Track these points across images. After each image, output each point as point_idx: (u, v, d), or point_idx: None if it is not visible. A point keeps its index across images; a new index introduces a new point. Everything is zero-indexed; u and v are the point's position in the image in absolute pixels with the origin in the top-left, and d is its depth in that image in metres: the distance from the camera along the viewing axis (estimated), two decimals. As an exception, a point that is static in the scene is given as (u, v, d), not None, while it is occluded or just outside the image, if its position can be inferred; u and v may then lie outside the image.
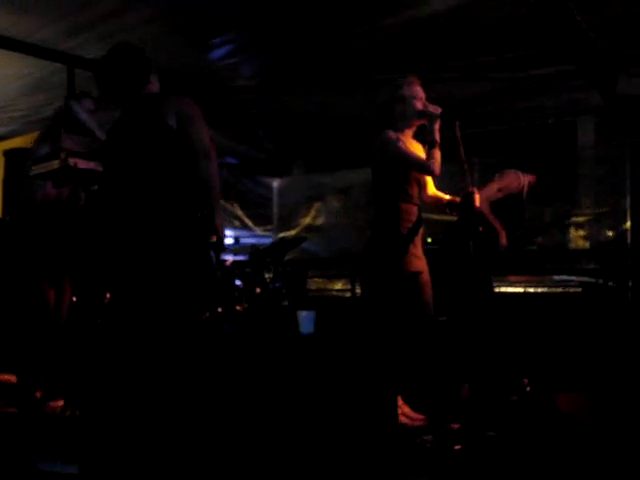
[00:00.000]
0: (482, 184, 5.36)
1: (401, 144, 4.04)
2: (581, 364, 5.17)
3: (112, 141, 3.45)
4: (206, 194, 3.28)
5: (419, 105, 4.10)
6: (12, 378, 4.96)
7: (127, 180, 3.31)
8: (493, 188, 5.18)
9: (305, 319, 6.00)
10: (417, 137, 4.27)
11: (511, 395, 4.52)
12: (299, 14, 5.67)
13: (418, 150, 4.23)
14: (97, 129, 4.77)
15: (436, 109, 4.02)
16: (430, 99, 4.14)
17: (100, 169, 4.16)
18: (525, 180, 5.41)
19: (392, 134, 4.08)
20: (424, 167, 4.01)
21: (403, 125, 4.17)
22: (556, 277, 6.48)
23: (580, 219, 7.90)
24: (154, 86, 3.64)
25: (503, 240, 5.20)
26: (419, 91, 4.16)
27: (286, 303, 6.76)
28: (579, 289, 6.33)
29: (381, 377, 4.01)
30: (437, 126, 4.03)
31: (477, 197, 3.99)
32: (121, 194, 3.32)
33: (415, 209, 4.13)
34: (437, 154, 4.00)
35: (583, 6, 5.14)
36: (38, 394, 4.58)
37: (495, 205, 5.24)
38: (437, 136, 4.02)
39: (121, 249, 3.29)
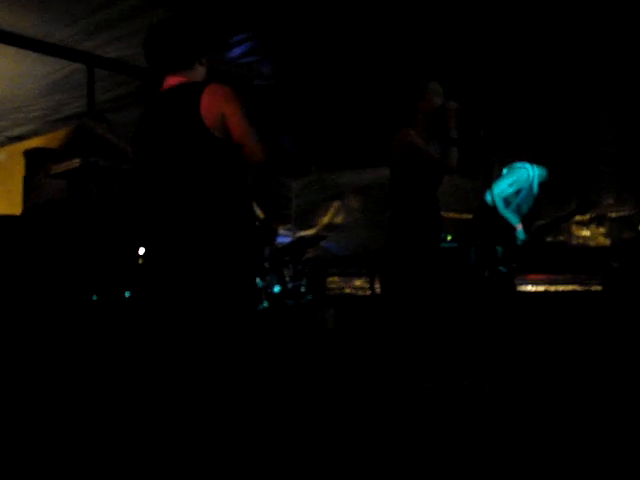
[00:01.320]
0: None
1: (423, 145, 4.04)
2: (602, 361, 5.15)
3: (140, 143, 3.03)
4: (267, 205, 3.09)
5: (438, 101, 4.10)
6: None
7: (166, 186, 2.92)
8: (504, 184, 5.15)
9: (327, 316, 6.02)
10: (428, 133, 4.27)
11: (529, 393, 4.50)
12: (319, 12, 5.67)
13: (431, 146, 4.24)
14: (120, 142, 4.76)
15: (455, 105, 4.03)
16: (449, 95, 4.13)
17: (121, 167, 4.21)
18: (535, 172, 5.38)
19: (413, 133, 4.06)
20: (445, 167, 4.01)
21: (422, 122, 4.16)
22: None
23: (600, 215, 7.84)
24: (204, 68, 3.10)
25: (520, 232, 5.18)
26: (437, 90, 4.15)
27: (306, 301, 6.76)
28: (599, 287, 6.30)
29: (401, 372, 4.00)
30: (454, 122, 4.05)
31: None
32: (163, 201, 2.94)
33: (434, 208, 4.13)
34: (453, 151, 4.02)
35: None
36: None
37: (508, 199, 5.22)
38: (454, 132, 4.03)
39: (168, 254, 2.97)
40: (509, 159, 5.42)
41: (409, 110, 4.17)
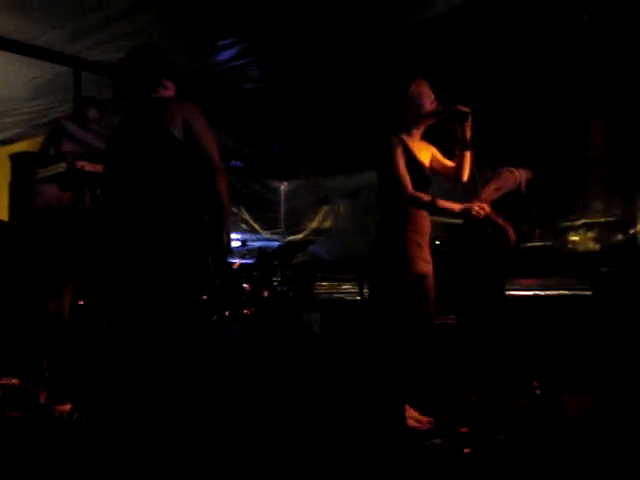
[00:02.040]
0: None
1: (398, 159, 4.00)
2: (591, 367, 5.13)
3: (113, 146, 3.40)
4: (215, 208, 3.26)
5: (428, 105, 4.08)
6: (15, 382, 4.93)
7: (128, 186, 3.28)
8: (491, 188, 5.11)
9: (312, 321, 5.99)
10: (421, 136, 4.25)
11: (520, 398, 4.48)
12: (306, 16, 5.65)
13: (426, 151, 4.22)
14: (96, 141, 4.74)
15: (464, 108, 4.02)
16: (458, 100, 4.11)
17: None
18: (521, 175, 5.34)
19: (395, 142, 4.03)
20: (404, 192, 3.98)
21: (413, 126, 4.13)
22: None
23: (589, 221, 7.84)
24: (169, 91, 3.48)
25: (512, 237, 5.15)
26: (427, 91, 4.13)
27: (293, 306, 6.73)
28: (589, 292, 6.29)
29: (389, 380, 3.97)
30: (468, 127, 4.07)
31: (483, 206, 4.02)
32: (121, 200, 3.31)
33: (422, 212, 4.09)
34: (468, 157, 4.07)
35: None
36: (42, 398, 4.56)
37: (497, 204, 5.19)
38: (468, 137, 4.06)
39: (123, 253, 3.28)
40: (498, 162, 5.39)
41: (399, 112, 4.15)
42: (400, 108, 4.14)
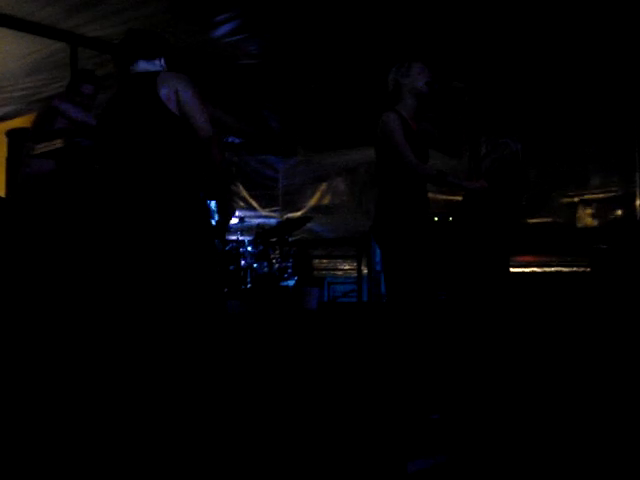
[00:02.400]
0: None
1: (399, 132, 3.99)
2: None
3: (106, 121, 3.36)
4: (213, 178, 3.26)
5: (424, 80, 4.08)
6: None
7: (123, 162, 3.26)
8: (488, 161, 5.09)
9: (309, 296, 6.00)
10: (420, 116, 4.26)
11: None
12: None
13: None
14: (89, 118, 4.71)
15: (459, 84, 4.05)
16: (453, 76, 4.12)
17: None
18: (517, 146, 5.32)
19: (394, 117, 4.03)
20: (411, 165, 3.97)
21: (409, 101, 4.12)
22: None
23: (589, 197, 7.83)
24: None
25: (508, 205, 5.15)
26: (423, 67, 4.12)
27: (292, 282, 6.74)
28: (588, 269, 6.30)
29: (394, 358, 3.97)
30: (463, 102, 4.11)
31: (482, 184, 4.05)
32: (118, 176, 3.28)
33: (420, 187, 4.10)
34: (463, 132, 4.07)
35: None
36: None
37: (496, 177, 5.17)
38: (464, 112, 4.08)
39: (122, 231, 3.26)
40: (495, 137, 5.36)
41: (396, 88, 4.14)
42: (396, 84, 4.13)
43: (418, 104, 4.15)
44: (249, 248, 6.84)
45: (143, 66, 3.33)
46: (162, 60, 3.44)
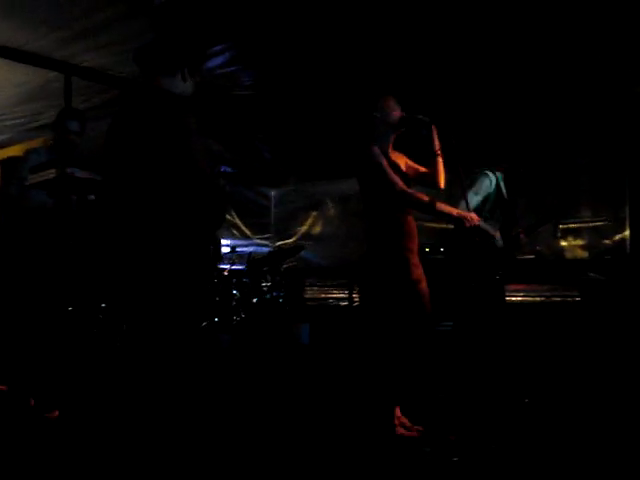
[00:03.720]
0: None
1: (385, 163, 4.10)
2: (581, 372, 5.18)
3: (114, 142, 3.17)
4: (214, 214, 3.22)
5: (395, 116, 4.21)
6: (3, 388, 4.91)
7: (130, 191, 3.11)
8: (470, 194, 5.14)
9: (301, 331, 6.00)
10: (399, 147, 4.40)
11: (512, 406, 4.51)
12: (297, 24, 5.67)
13: (400, 160, 4.35)
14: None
15: (423, 118, 4.20)
16: (416, 111, 4.24)
17: (97, 178, 4.15)
18: (496, 177, 5.36)
19: (376, 150, 4.14)
20: (404, 192, 4.04)
21: (384, 136, 4.25)
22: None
23: (576, 226, 7.88)
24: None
25: (499, 240, 5.19)
26: (393, 104, 4.29)
27: (283, 313, 6.74)
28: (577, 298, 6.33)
29: (379, 387, 3.99)
30: (434, 135, 4.25)
31: (473, 217, 4.10)
32: (123, 204, 3.14)
33: (408, 218, 4.16)
34: (439, 164, 4.20)
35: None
36: (31, 403, 4.55)
37: (481, 209, 5.21)
38: (436, 145, 4.22)
39: (122, 259, 3.22)
40: (473, 167, 5.41)
41: (370, 124, 4.25)
42: (372, 120, 4.28)
43: (393, 138, 4.26)
44: (242, 278, 6.84)
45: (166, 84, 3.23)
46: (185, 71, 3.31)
